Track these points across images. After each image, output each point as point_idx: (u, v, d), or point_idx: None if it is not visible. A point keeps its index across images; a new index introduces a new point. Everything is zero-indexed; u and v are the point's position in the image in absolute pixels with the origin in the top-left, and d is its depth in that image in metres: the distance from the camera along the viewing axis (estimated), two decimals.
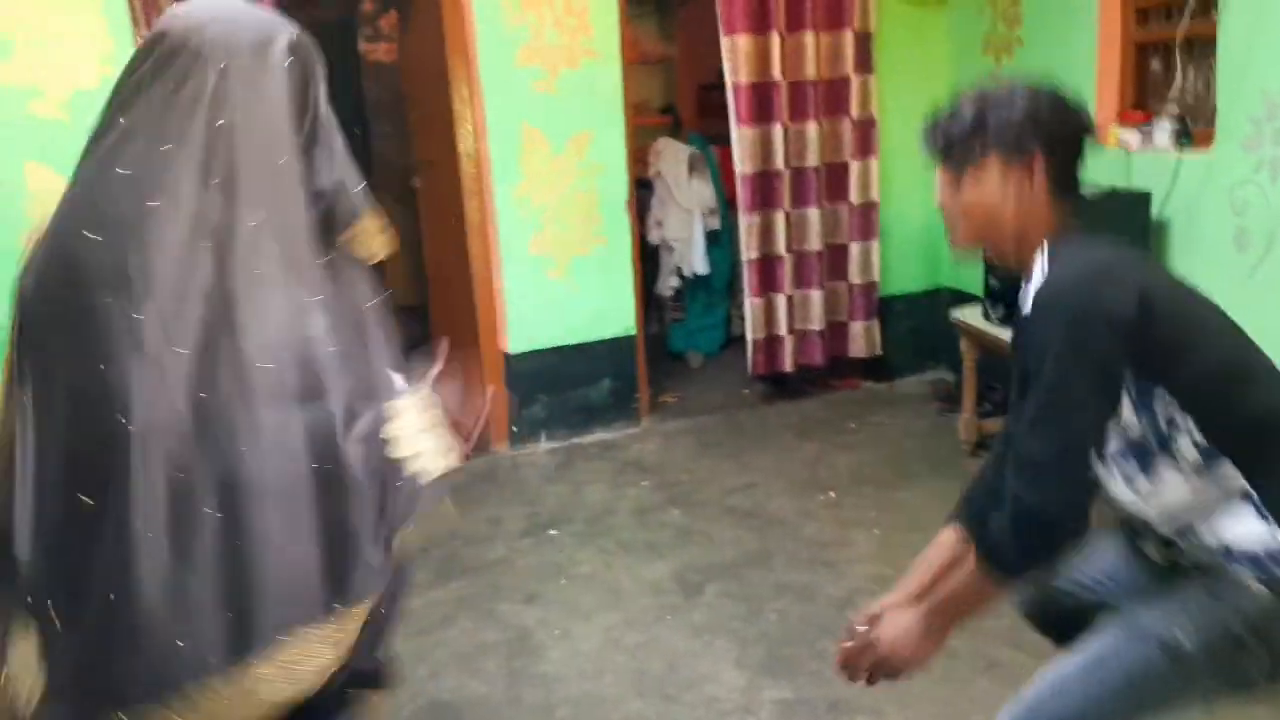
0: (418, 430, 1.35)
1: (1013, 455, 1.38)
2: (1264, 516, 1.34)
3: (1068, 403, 1.32)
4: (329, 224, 1.37)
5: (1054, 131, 1.45)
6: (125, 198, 1.22)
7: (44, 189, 3.29)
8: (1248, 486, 1.35)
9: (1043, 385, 1.33)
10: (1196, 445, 1.36)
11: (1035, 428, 1.34)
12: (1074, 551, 1.36)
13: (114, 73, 3.06)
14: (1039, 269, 1.45)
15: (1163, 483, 1.40)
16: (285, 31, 1.34)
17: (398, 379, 1.42)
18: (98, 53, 3.28)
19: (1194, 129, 3.29)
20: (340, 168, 1.39)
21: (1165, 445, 1.38)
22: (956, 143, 1.49)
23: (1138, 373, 1.35)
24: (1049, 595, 1.65)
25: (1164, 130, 3.33)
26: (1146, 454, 1.40)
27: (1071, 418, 1.32)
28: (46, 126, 3.27)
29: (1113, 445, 1.41)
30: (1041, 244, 1.46)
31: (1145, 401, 1.37)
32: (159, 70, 1.29)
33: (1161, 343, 1.34)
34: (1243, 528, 1.35)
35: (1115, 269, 1.38)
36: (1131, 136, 3.45)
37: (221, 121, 1.25)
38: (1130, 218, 3.27)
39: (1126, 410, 1.38)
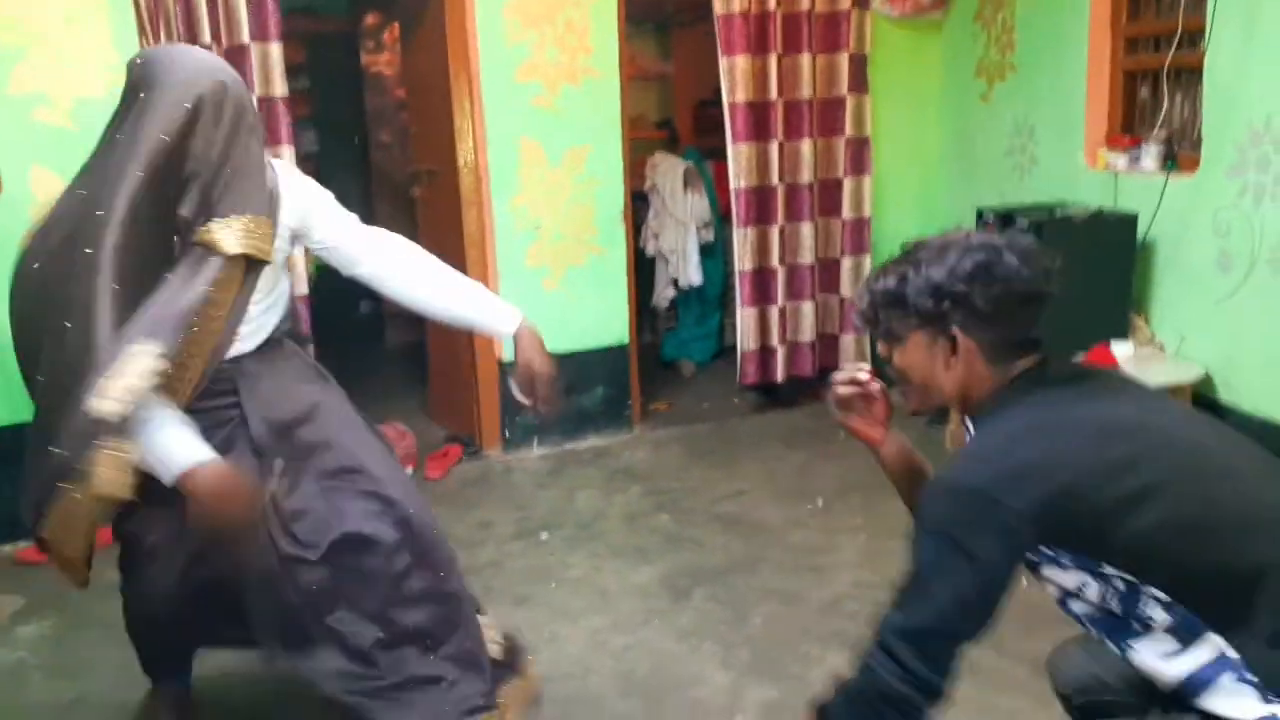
0: (116, 381, 1.64)
1: (878, 622, 1.32)
2: (1257, 691, 1.20)
3: (936, 590, 1.25)
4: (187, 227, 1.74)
5: (978, 304, 1.33)
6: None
7: (49, 195, 3.33)
8: (1233, 655, 1.20)
9: (917, 564, 1.27)
10: (1168, 611, 1.23)
11: (901, 602, 1.29)
12: None
13: (119, 81, 3.19)
14: (968, 436, 1.41)
15: (1137, 652, 1.29)
16: (205, 86, 1.68)
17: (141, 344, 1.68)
18: (103, 62, 3.34)
19: (1180, 154, 3.37)
20: (231, 193, 1.73)
21: (1133, 612, 1.26)
22: (880, 313, 1.42)
23: (1076, 549, 1.26)
24: (1090, 685, 1.56)
25: (1151, 155, 3.40)
26: (1116, 622, 1.29)
27: (935, 605, 1.25)
28: (52, 133, 3.32)
29: (1080, 609, 1.33)
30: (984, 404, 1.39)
31: (1097, 570, 1.27)
32: (124, 89, 1.73)
33: (1090, 517, 1.23)
34: (1233, 703, 1.21)
35: (1029, 461, 1.26)
36: (1119, 160, 3.52)
37: (120, 136, 1.68)
38: (1116, 238, 3.35)
39: (1090, 582, 1.28)
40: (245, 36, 3.41)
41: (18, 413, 3.40)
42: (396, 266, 2.07)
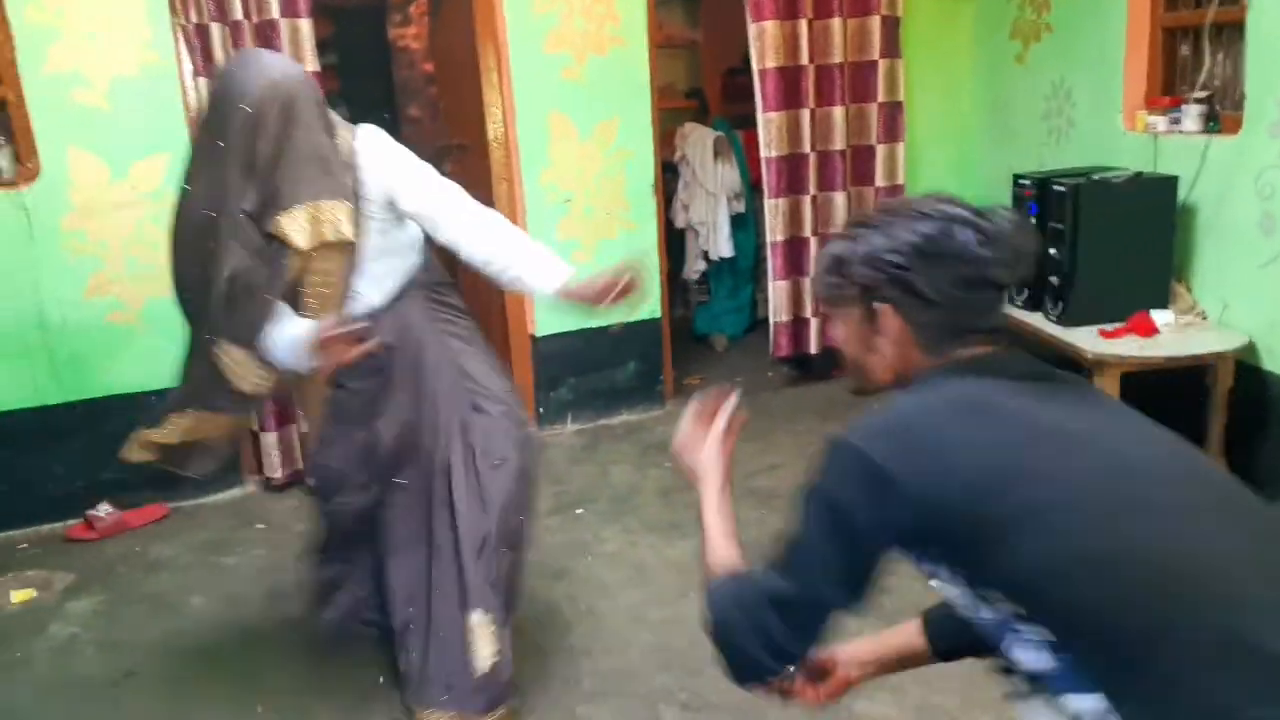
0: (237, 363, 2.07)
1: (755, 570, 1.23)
2: None
3: (813, 556, 1.14)
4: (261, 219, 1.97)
5: (916, 283, 1.18)
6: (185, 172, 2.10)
7: (86, 174, 3.38)
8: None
9: (800, 523, 1.16)
10: (1053, 663, 1.05)
11: (778, 561, 1.18)
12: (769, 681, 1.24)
13: (153, 59, 3.32)
14: None
15: (1024, 707, 1.13)
16: (259, 88, 1.88)
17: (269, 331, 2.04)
18: (138, 39, 3.36)
19: (1222, 114, 3.29)
20: (287, 184, 1.93)
21: (1015, 659, 1.10)
22: (825, 276, 1.28)
23: (952, 563, 1.11)
24: None
25: (1191, 115, 3.32)
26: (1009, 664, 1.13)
27: (809, 573, 1.14)
28: (88, 113, 3.35)
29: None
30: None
31: (980, 599, 1.10)
32: (210, 99, 2.04)
33: (981, 524, 1.05)
34: None
35: (935, 440, 1.10)
36: (1159, 122, 3.45)
37: (206, 143, 1.98)
38: (1156, 202, 3.28)
39: (968, 602, 1.13)
40: (275, 12, 3.41)
41: (67, 392, 3.47)
42: (466, 231, 2.14)
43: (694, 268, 5.21)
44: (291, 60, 2.05)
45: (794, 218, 4.26)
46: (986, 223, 1.18)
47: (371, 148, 2.08)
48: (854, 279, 1.22)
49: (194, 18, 3.37)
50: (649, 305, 4.19)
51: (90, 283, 3.46)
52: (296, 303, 2.05)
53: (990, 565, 1.07)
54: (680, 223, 5.14)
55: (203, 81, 3.39)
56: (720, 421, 1.41)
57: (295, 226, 1.93)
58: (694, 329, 5.30)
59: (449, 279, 2.40)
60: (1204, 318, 3.28)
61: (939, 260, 1.17)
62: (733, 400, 1.42)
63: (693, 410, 1.43)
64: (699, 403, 1.43)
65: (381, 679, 2.50)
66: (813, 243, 4.29)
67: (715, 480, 1.38)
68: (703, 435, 1.41)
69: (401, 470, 2.24)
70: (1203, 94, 3.33)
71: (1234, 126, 3.18)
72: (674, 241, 4.91)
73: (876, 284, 1.20)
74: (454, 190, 2.14)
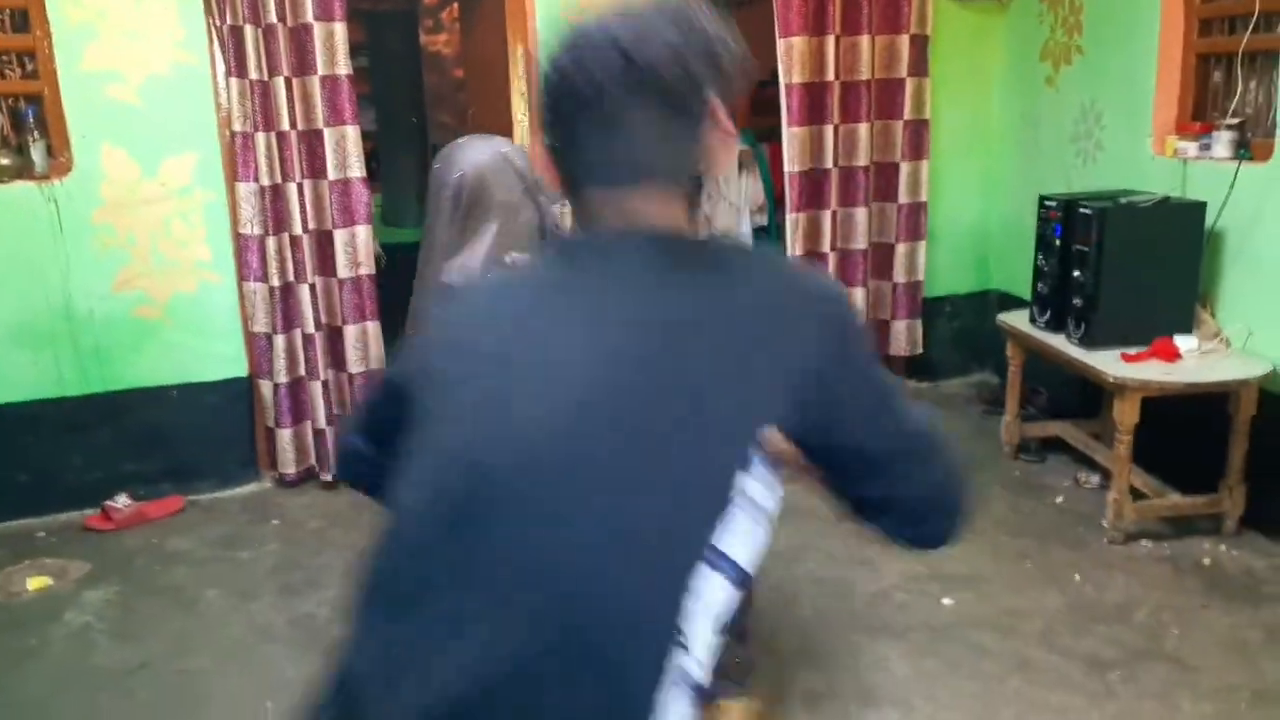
0: None
1: None
2: None
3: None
4: None
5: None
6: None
7: (117, 169, 3.43)
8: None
9: None
10: None
11: None
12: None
13: (186, 59, 3.29)
14: None
15: None
16: (453, 177, 2.11)
17: None
18: (170, 38, 3.40)
19: (1253, 141, 3.27)
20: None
21: None
22: None
23: None
24: None
25: (1223, 142, 3.30)
26: None
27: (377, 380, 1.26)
28: (122, 110, 3.39)
29: None
30: None
31: None
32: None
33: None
34: None
35: (439, 315, 1.15)
36: (1189, 147, 3.43)
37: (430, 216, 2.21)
38: (1183, 228, 3.26)
39: None
40: (309, 16, 3.44)
41: (91, 384, 3.51)
42: None
43: None
44: (486, 143, 2.21)
45: (813, 233, 4.26)
46: (567, 54, 0.96)
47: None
48: None
49: (228, 20, 3.41)
50: None
51: (119, 276, 3.50)
52: None
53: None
54: (703, 233, 5.15)
55: (234, 82, 3.43)
56: None
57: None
58: None
59: None
60: (1228, 345, 3.25)
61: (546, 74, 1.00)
62: None
63: None
64: None
65: None
66: (831, 258, 4.29)
67: None
68: None
69: None
70: (1234, 121, 3.31)
71: (1265, 154, 3.16)
72: None
73: None
74: None
